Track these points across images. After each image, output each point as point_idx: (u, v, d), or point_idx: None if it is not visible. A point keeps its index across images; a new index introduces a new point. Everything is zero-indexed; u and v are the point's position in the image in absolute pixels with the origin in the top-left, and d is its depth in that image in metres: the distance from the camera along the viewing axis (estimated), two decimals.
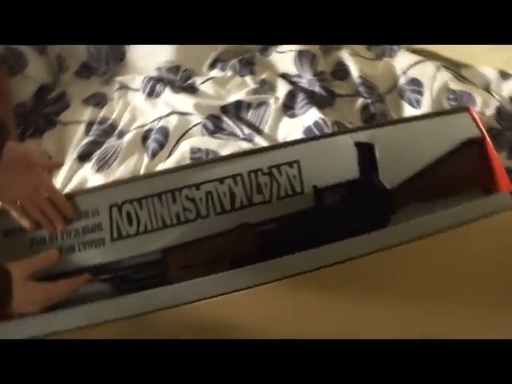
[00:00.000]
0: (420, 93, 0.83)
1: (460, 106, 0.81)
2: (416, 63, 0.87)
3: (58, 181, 0.77)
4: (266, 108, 0.82)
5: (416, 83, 0.85)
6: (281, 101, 0.82)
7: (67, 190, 0.76)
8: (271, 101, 0.82)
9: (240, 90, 0.85)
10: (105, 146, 0.80)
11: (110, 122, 0.84)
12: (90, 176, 0.77)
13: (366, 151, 0.69)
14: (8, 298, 0.54)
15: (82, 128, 0.84)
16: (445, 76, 0.83)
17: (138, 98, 0.87)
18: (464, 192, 0.70)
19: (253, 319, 0.61)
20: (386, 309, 0.61)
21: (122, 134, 0.82)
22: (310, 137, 0.73)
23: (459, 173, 0.71)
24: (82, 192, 0.69)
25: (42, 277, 0.60)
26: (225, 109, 0.82)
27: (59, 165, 0.78)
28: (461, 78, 0.86)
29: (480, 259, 0.63)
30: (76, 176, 0.77)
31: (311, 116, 0.78)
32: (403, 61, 0.89)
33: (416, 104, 0.83)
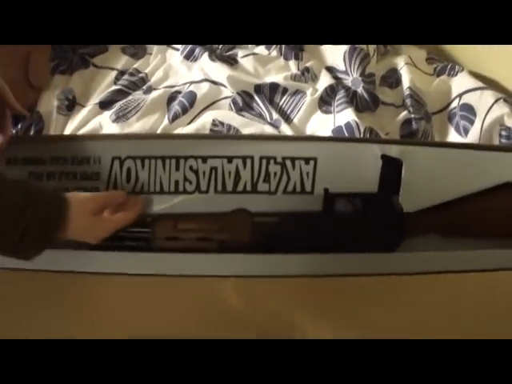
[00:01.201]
0: (471, 121, 0.76)
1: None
2: (475, 89, 0.79)
3: (74, 123, 0.76)
4: (301, 97, 0.77)
5: (469, 110, 0.77)
6: (318, 93, 0.77)
7: (80, 133, 0.74)
8: (309, 91, 0.77)
9: (280, 73, 0.80)
10: (129, 97, 0.78)
11: (141, 75, 0.82)
12: (105, 124, 0.74)
13: (391, 167, 0.63)
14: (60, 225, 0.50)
15: (112, 75, 0.82)
16: (502, 110, 0.75)
17: (175, 58, 0.84)
18: (492, 237, 0.63)
19: (227, 308, 0.57)
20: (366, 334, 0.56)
21: (149, 90, 0.80)
22: (335, 137, 0.68)
23: (492, 216, 0.64)
24: (89, 137, 0.67)
25: None
26: (259, 88, 0.78)
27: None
28: None
29: (487, 314, 0.57)
30: (92, 121, 0.75)
31: (345, 116, 0.73)
32: (462, 83, 0.82)
33: (463, 132, 0.76)
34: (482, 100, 0.78)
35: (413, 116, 0.77)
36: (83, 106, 0.78)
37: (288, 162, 0.62)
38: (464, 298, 0.58)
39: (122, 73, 0.82)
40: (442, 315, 0.57)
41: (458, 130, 0.78)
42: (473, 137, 0.75)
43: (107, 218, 0.56)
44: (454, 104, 0.80)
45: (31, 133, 0.74)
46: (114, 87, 0.80)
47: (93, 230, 0.55)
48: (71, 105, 0.78)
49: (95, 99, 0.78)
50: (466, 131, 0.76)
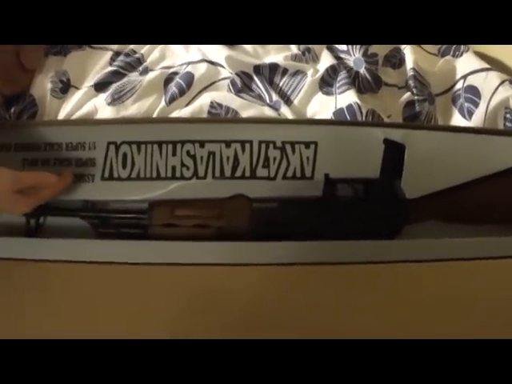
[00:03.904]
0: (475, 103, 0.74)
1: None
2: (480, 70, 0.77)
3: (68, 106, 0.74)
4: (301, 78, 0.75)
5: (474, 92, 0.75)
6: (320, 74, 0.74)
7: (75, 116, 0.72)
8: (309, 72, 0.75)
9: (279, 53, 0.78)
10: (125, 79, 0.75)
11: (137, 55, 0.79)
12: (101, 107, 0.72)
13: (394, 151, 0.61)
14: None
15: (107, 56, 0.79)
16: (507, 92, 0.73)
17: None
18: (497, 223, 0.62)
19: (225, 297, 0.56)
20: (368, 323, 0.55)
21: (145, 71, 0.77)
22: (336, 120, 0.67)
23: (497, 201, 0.63)
24: (85, 122, 0.65)
25: None
26: (258, 69, 0.75)
27: None
28: None
29: (490, 302, 0.56)
30: (87, 104, 0.73)
31: (347, 98, 0.71)
32: (467, 64, 0.79)
33: (467, 115, 0.74)
34: (487, 82, 0.75)
35: (416, 98, 0.75)
36: (78, 89, 0.76)
37: (288, 147, 0.61)
38: (465, 286, 0.57)
39: (117, 53, 0.79)
40: (443, 303, 0.56)
41: (462, 112, 0.75)
42: (477, 120, 0.73)
43: (29, 196, 0.56)
44: (459, 85, 0.78)
45: (24, 117, 0.72)
46: (110, 68, 0.77)
47: (13, 205, 0.55)
48: (65, 87, 0.76)
49: (90, 81, 0.76)
50: (471, 114, 0.74)
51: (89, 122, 0.68)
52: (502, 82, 0.74)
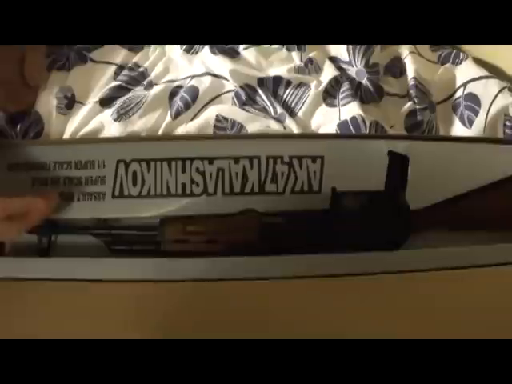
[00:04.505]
0: (475, 112, 0.76)
1: None
2: (480, 78, 0.78)
3: (74, 122, 0.74)
4: (305, 90, 0.76)
5: (474, 100, 0.77)
6: (323, 86, 0.76)
7: (81, 133, 0.73)
8: (313, 84, 0.76)
9: (283, 65, 0.79)
10: (130, 94, 0.76)
11: (141, 69, 0.80)
12: (107, 123, 0.73)
13: (398, 163, 0.62)
14: None
15: (111, 70, 0.80)
16: (507, 99, 0.74)
17: (175, 51, 0.82)
18: (501, 231, 0.63)
19: (235, 313, 0.57)
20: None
21: (150, 85, 0.78)
22: (341, 134, 0.68)
23: (500, 209, 0.64)
24: (94, 140, 0.66)
25: None
26: (262, 81, 0.76)
27: None
28: None
29: (497, 309, 0.57)
30: (94, 120, 0.74)
31: (350, 110, 0.72)
32: (466, 72, 0.80)
33: (468, 123, 0.76)
34: (487, 89, 0.77)
35: (417, 107, 0.76)
36: (83, 104, 0.77)
37: (295, 161, 0.62)
38: (473, 293, 0.58)
39: (121, 67, 0.80)
40: (451, 312, 0.57)
41: (462, 120, 0.77)
42: (477, 128, 0.75)
43: (17, 222, 0.55)
44: (459, 93, 0.79)
45: (30, 135, 0.72)
46: (114, 83, 0.78)
47: (3, 232, 0.55)
48: (70, 103, 0.76)
49: (95, 96, 0.77)
50: (471, 122, 0.76)
51: (97, 140, 0.68)
52: (502, 90, 0.76)
